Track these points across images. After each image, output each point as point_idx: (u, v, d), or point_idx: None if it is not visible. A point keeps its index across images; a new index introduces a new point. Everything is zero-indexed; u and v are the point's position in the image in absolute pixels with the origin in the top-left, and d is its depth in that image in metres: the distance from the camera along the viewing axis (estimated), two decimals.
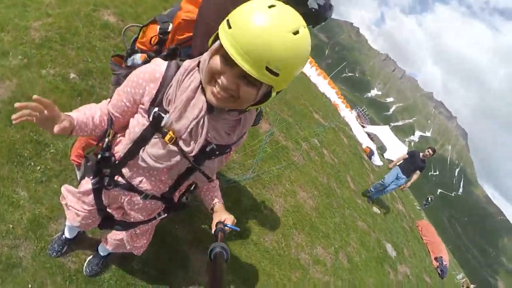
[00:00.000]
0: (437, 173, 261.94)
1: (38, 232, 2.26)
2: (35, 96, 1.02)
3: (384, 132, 22.57)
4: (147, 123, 1.18)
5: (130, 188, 1.40)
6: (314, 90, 15.30)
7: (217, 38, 1.01)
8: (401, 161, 8.34)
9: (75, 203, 1.62)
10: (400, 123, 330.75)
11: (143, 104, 1.19)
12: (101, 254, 2.29)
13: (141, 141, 1.22)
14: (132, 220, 1.60)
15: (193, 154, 1.20)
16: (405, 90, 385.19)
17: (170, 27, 1.65)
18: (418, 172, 7.98)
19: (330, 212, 5.49)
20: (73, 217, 1.67)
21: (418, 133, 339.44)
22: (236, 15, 0.95)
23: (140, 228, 1.73)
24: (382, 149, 22.20)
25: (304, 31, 0.94)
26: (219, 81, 1.02)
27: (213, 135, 1.20)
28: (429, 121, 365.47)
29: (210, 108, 1.13)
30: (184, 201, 1.56)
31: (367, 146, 13.99)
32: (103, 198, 1.50)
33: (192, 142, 1.19)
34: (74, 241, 2.31)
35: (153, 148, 1.21)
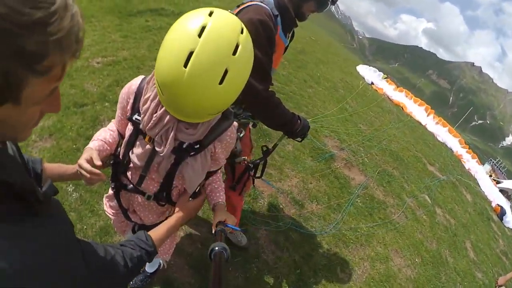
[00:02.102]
0: None
1: (104, 238, 2.52)
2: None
3: None
4: (132, 128, 1.33)
5: (134, 189, 1.48)
6: (431, 140, 13.26)
7: None
8: None
9: (107, 208, 1.76)
10: None
11: (128, 114, 1.34)
12: (148, 270, 2.35)
13: (129, 143, 1.36)
14: (146, 223, 1.65)
15: (163, 154, 1.28)
16: None
17: None
18: None
19: (434, 286, 4.29)
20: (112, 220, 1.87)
21: None
22: (160, 81, 1.04)
23: None
24: None
25: (238, 55, 0.98)
26: None
27: (181, 136, 1.27)
28: None
29: None
30: None
31: (497, 204, 11.20)
32: (121, 201, 1.60)
33: (162, 145, 1.27)
34: None
35: (138, 149, 1.34)
